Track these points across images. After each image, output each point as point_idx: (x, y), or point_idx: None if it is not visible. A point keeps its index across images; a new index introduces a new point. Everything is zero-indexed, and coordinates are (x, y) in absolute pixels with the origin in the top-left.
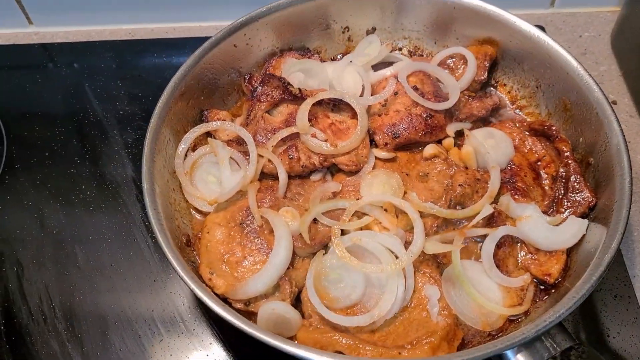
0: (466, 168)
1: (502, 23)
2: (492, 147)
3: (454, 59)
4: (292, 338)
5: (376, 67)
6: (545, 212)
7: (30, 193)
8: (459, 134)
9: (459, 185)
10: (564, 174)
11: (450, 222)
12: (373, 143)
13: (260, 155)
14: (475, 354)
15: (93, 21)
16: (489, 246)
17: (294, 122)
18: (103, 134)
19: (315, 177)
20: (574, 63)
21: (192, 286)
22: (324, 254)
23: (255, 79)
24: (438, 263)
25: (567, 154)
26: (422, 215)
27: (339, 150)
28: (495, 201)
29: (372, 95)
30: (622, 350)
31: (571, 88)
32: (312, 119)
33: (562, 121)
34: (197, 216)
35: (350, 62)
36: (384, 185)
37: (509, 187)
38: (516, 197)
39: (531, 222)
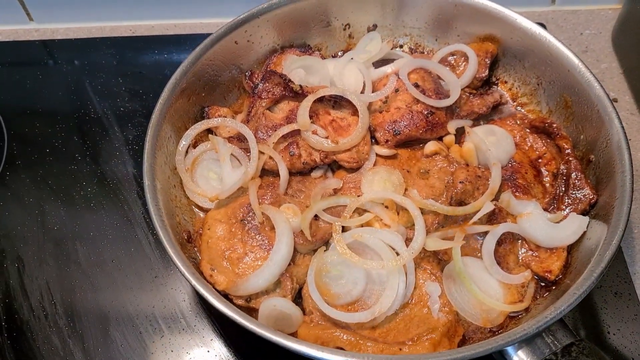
0: (467, 165)
1: (503, 20)
2: (493, 144)
3: (455, 56)
4: (293, 334)
5: (377, 64)
6: (546, 209)
7: (31, 190)
8: (460, 131)
9: (460, 182)
10: (565, 171)
11: (451, 219)
12: (374, 140)
13: (261, 152)
14: (476, 350)
15: (94, 18)
16: (489, 243)
17: (295, 119)
18: (104, 131)
19: (316, 173)
20: (575, 60)
21: (193, 282)
22: (325, 251)
23: (256, 75)
24: (439, 260)
25: (568, 151)
26: (423, 212)
27: (340, 147)
28: (496, 198)
29: (373, 92)
30: (622, 347)
31: (572, 85)
32: (313, 115)
33: (563, 118)
34: (198, 213)
35: (351, 59)
36: (385, 182)
37: (509, 184)
38: (517, 194)
39: (532, 219)
